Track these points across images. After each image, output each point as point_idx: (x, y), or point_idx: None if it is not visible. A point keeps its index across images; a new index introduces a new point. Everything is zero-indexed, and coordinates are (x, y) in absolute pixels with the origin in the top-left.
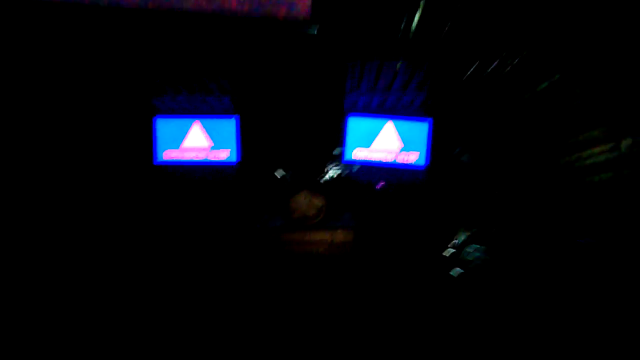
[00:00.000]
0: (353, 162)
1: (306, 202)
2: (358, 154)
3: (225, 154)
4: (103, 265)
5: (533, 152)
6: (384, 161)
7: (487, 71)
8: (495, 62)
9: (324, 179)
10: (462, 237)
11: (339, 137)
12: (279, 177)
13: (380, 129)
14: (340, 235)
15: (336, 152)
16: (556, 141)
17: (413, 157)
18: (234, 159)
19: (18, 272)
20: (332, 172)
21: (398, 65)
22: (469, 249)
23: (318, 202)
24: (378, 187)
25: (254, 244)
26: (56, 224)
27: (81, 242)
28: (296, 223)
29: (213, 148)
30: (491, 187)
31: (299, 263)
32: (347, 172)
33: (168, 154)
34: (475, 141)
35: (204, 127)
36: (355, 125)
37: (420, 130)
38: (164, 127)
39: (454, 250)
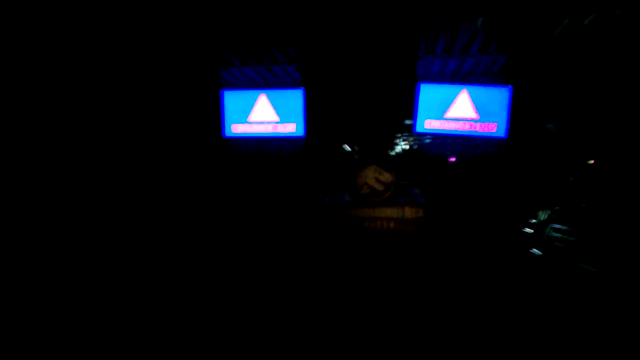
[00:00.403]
0: (425, 133)
1: (374, 178)
2: (430, 124)
3: (292, 127)
4: (177, 230)
5: (632, 119)
6: (459, 132)
7: (581, 27)
8: (592, 16)
9: (393, 152)
10: (544, 214)
11: (409, 108)
12: (346, 150)
13: (455, 96)
14: (409, 212)
15: (407, 122)
16: None
17: (491, 127)
18: (301, 132)
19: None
20: (402, 145)
21: (479, 22)
22: (553, 227)
23: (386, 177)
24: (451, 160)
25: (323, 218)
26: (136, 192)
27: (160, 208)
28: (364, 198)
29: (280, 121)
30: (580, 159)
31: (367, 239)
32: (417, 144)
33: (236, 128)
34: (562, 108)
35: (271, 99)
36: (428, 94)
37: (499, 97)
38: (231, 100)
39: (535, 229)
